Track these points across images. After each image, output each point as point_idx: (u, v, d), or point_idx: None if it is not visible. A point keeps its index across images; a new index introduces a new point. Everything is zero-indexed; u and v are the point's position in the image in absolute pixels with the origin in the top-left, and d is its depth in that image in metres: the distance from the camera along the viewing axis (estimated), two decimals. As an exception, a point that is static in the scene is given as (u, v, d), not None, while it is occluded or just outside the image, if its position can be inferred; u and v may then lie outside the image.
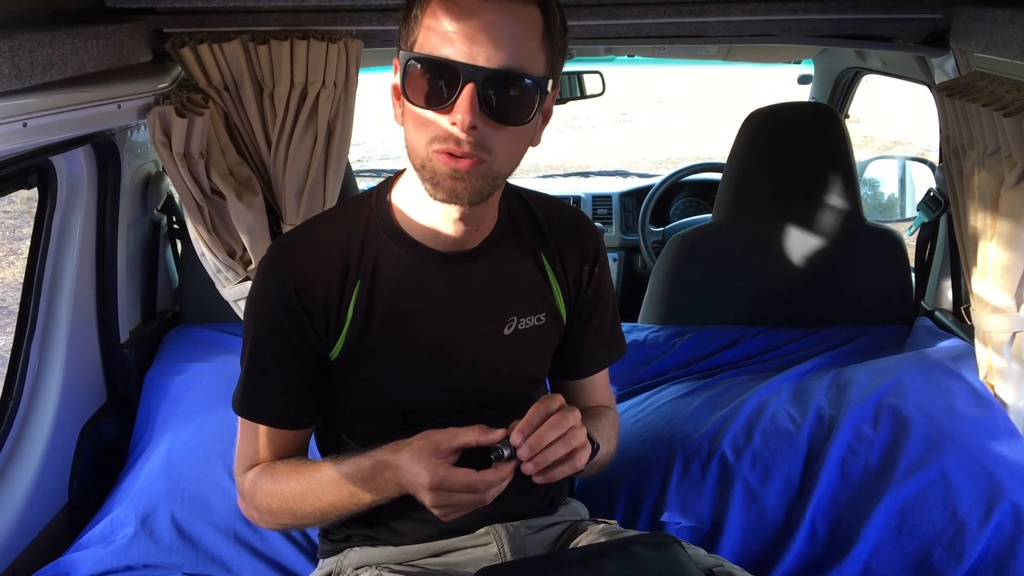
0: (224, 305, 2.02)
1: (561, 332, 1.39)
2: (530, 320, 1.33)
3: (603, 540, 1.37)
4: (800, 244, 2.21)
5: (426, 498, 1.15)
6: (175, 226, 2.21)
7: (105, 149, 1.89)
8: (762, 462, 1.72)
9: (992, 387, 1.81)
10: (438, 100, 1.09)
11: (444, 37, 1.08)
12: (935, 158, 2.47)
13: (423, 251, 1.26)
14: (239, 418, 1.34)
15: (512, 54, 1.08)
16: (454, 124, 1.09)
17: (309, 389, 1.30)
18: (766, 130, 2.18)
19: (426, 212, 1.22)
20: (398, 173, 1.29)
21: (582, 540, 1.40)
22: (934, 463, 1.65)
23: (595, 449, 1.22)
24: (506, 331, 1.32)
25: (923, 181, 2.72)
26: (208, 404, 1.88)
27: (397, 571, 1.32)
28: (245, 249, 1.94)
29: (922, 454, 1.67)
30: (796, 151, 2.17)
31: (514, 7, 1.08)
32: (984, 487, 1.61)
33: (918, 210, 2.24)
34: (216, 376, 1.94)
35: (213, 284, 2.00)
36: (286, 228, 1.95)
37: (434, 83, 1.09)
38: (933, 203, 2.19)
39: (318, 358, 1.27)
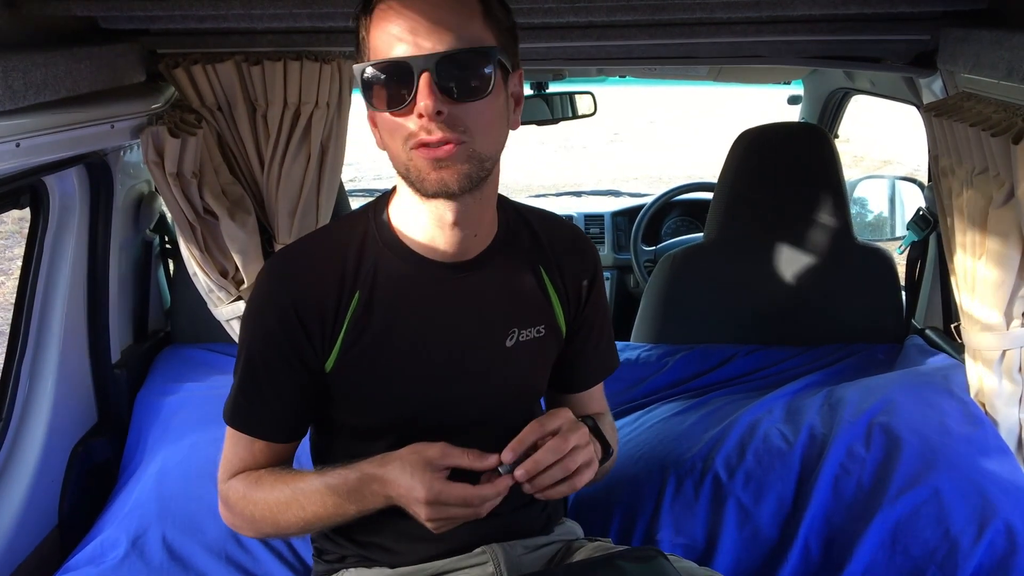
0: (216, 325, 2.02)
1: (560, 346, 1.39)
2: (530, 332, 1.33)
3: (593, 552, 1.37)
4: (791, 263, 2.22)
5: (420, 512, 1.15)
6: (167, 246, 2.21)
7: (98, 169, 1.89)
8: (755, 481, 1.72)
9: (983, 405, 1.82)
10: (399, 100, 1.11)
11: (388, 42, 1.10)
12: (924, 177, 2.49)
13: (422, 262, 1.25)
14: (228, 431, 1.35)
15: (457, 35, 1.10)
16: (420, 116, 1.10)
17: (301, 404, 1.31)
18: (756, 150, 2.20)
19: (422, 222, 1.22)
20: (392, 190, 1.29)
21: (576, 559, 1.39)
22: (926, 481, 1.65)
23: (608, 454, 1.27)
24: (508, 343, 1.31)
25: (912, 200, 2.73)
26: (200, 424, 1.87)
27: None
28: (238, 269, 1.94)
29: (914, 472, 1.67)
30: (786, 171, 2.19)
31: None
32: (976, 505, 1.61)
33: (908, 229, 2.25)
34: (208, 396, 1.93)
35: (205, 304, 1.99)
36: (279, 248, 1.96)
37: (391, 85, 1.11)
38: (923, 222, 2.20)
39: (312, 373, 1.27)
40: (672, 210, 3.30)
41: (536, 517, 1.44)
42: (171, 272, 2.26)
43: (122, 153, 1.96)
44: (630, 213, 3.29)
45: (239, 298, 1.95)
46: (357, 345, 1.26)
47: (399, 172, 1.18)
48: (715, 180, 2.32)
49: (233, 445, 1.34)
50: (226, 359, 2.06)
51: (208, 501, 1.72)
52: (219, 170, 1.90)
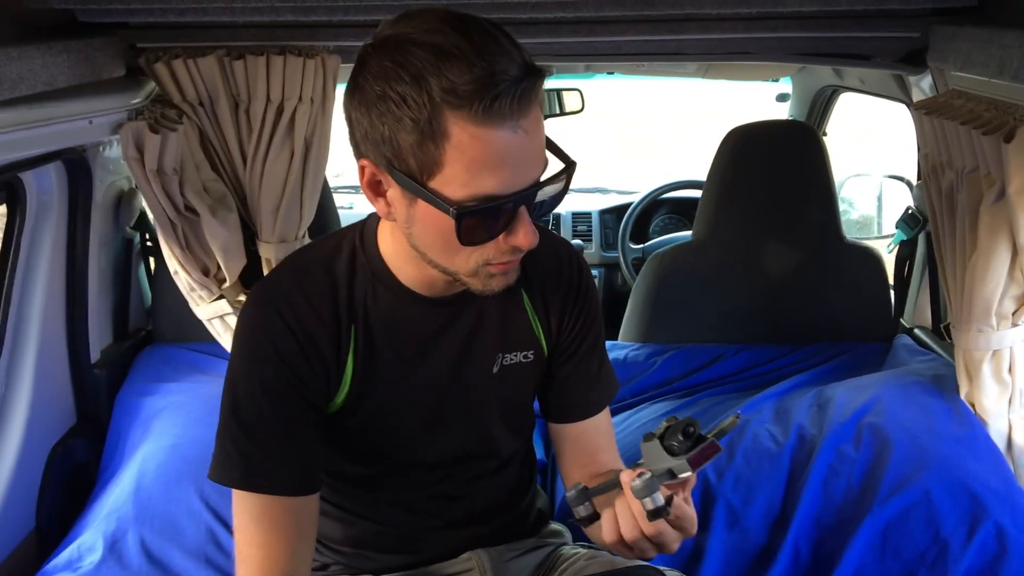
0: (198, 324, 1.99)
1: (543, 371, 1.34)
2: (516, 356, 1.29)
3: (587, 566, 1.35)
4: (780, 261, 2.20)
5: None
6: (148, 243, 2.17)
7: (76, 165, 1.85)
8: (744, 483, 1.70)
9: (973, 405, 1.80)
10: (493, 233, 1.05)
11: (484, 166, 0.99)
12: (911, 175, 2.48)
13: (413, 296, 1.21)
14: (236, 499, 1.18)
15: (544, 156, 1.06)
16: (515, 246, 1.06)
17: (316, 443, 1.20)
18: (745, 148, 2.18)
19: (419, 265, 1.16)
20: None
21: (566, 566, 1.37)
22: (917, 483, 1.63)
23: None
24: (494, 369, 1.28)
25: (900, 199, 2.72)
26: (181, 426, 1.84)
27: None
28: (219, 267, 1.91)
29: (904, 474, 1.65)
30: (775, 169, 2.17)
31: (533, 109, 1.02)
32: (967, 507, 1.60)
33: (897, 227, 2.24)
34: (190, 397, 1.91)
35: (187, 303, 1.96)
36: (261, 245, 1.93)
37: (489, 220, 1.04)
38: (912, 220, 2.19)
39: (319, 405, 1.20)
40: (660, 208, 3.29)
41: (523, 521, 1.42)
42: (152, 270, 2.22)
43: (101, 149, 1.92)
44: (618, 211, 3.27)
45: (221, 296, 1.92)
46: (368, 382, 1.21)
47: (446, 269, 1.12)
48: (703, 178, 2.30)
49: (248, 523, 1.16)
50: (208, 359, 2.03)
51: (187, 503, 1.69)
52: (200, 167, 1.87)
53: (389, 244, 1.20)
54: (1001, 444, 1.77)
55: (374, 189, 1.08)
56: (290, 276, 1.23)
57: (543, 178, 1.06)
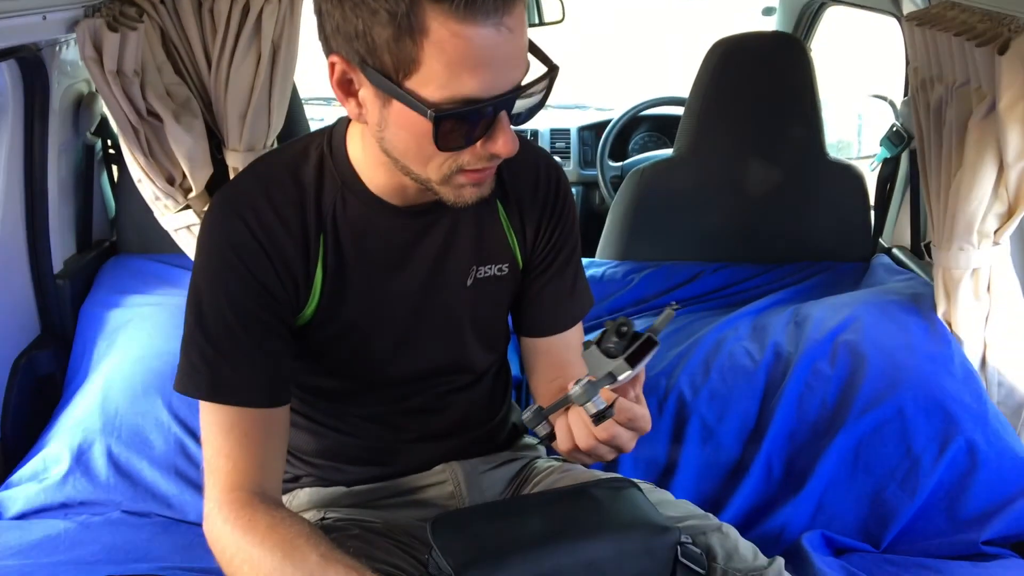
0: (164, 235, 1.92)
1: (518, 284, 1.31)
2: (491, 269, 1.25)
3: (561, 478, 1.34)
4: (761, 179, 2.17)
5: None
6: (110, 151, 2.09)
7: (31, 65, 1.76)
8: (719, 399, 1.70)
9: (949, 324, 1.80)
10: (471, 139, 1.00)
11: (464, 66, 0.93)
12: (893, 93, 2.43)
13: (383, 206, 1.16)
14: (203, 411, 1.13)
15: (526, 60, 0.99)
16: (493, 153, 1.01)
17: (284, 354, 1.15)
18: (730, 60, 2.11)
19: (390, 172, 1.10)
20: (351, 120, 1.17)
21: (540, 478, 1.36)
22: (890, 400, 1.64)
23: None
24: (468, 282, 1.24)
25: (881, 119, 2.68)
26: (147, 338, 1.79)
27: (342, 520, 1.26)
28: (185, 176, 1.84)
29: (879, 391, 1.66)
30: (760, 82, 2.12)
31: (517, 6, 0.95)
32: (939, 423, 1.61)
33: (880, 145, 2.20)
34: (155, 308, 1.86)
35: (152, 213, 1.90)
36: (228, 154, 1.86)
37: (467, 124, 0.98)
38: (896, 138, 2.15)
39: (287, 318, 1.15)
40: (640, 125, 3.21)
41: (497, 435, 1.41)
42: (115, 178, 2.14)
43: (58, 49, 1.83)
44: (597, 128, 3.20)
45: (187, 207, 1.86)
46: (337, 294, 1.17)
47: (418, 177, 1.06)
48: (685, 94, 2.24)
49: (216, 434, 1.12)
50: (175, 270, 1.98)
51: (155, 415, 1.66)
52: (163, 69, 1.78)
53: (359, 149, 1.14)
54: (976, 362, 1.77)
55: (344, 89, 1.02)
56: (254, 182, 1.16)
57: (524, 83, 1.00)
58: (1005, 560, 1.51)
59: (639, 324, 1.97)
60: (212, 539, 1.10)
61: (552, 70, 1.04)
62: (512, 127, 1.02)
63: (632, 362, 0.98)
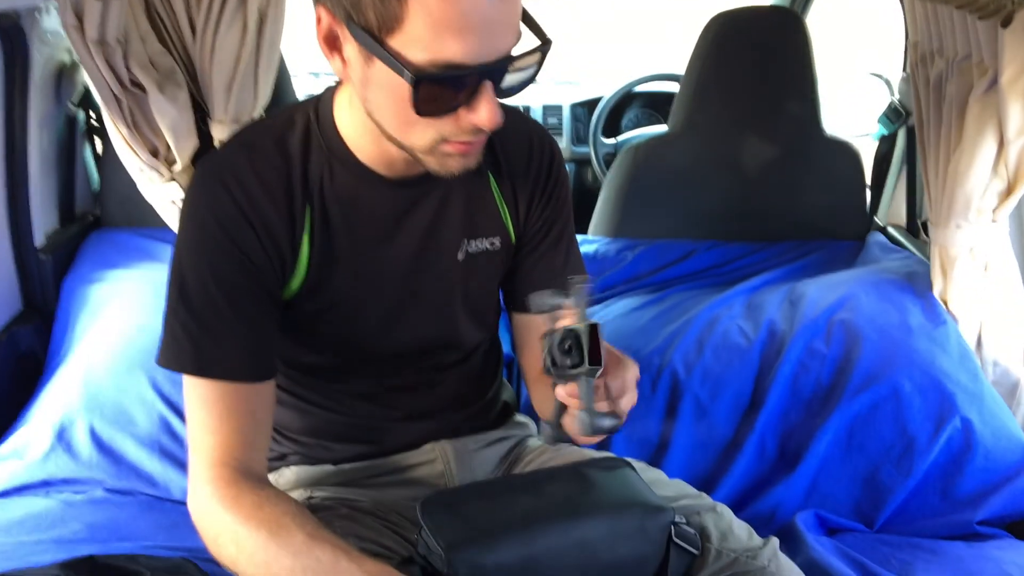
0: (149, 208, 1.88)
1: (511, 259, 1.28)
2: (483, 243, 1.23)
3: (553, 458, 1.32)
4: (757, 155, 2.14)
5: None
6: (93, 122, 2.04)
7: (10, 33, 1.71)
8: (713, 378, 1.68)
9: (946, 303, 1.78)
10: (454, 105, 0.97)
11: (449, 28, 0.90)
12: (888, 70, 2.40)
13: (373, 176, 1.13)
14: (187, 386, 1.11)
15: (517, 30, 0.97)
16: (475, 125, 0.98)
17: (270, 328, 1.13)
18: (727, 35, 2.08)
19: (377, 140, 1.07)
20: (338, 86, 1.14)
21: (531, 457, 1.35)
22: (886, 379, 1.62)
23: None
24: (459, 256, 1.21)
25: (876, 97, 2.66)
26: (131, 313, 1.76)
27: (329, 499, 1.24)
28: (169, 148, 1.80)
29: (874, 370, 1.64)
30: (757, 57, 2.08)
31: None
32: (935, 403, 1.59)
33: (878, 122, 2.18)
34: (140, 283, 1.82)
35: (136, 186, 1.86)
36: (214, 126, 1.82)
37: (449, 91, 0.96)
38: (894, 115, 2.13)
39: (273, 290, 1.12)
40: (633, 102, 3.18)
41: (487, 413, 1.38)
42: (99, 151, 2.10)
43: (38, 16, 1.78)
44: (590, 104, 3.16)
45: (172, 179, 1.82)
46: (324, 267, 1.14)
47: (402, 144, 1.04)
48: (679, 71, 2.21)
49: (200, 409, 1.09)
50: (159, 245, 1.94)
51: (138, 391, 1.63)
52: (146, 38, 1.73)
53: (347, 118, 1.11)
54: (971, 342, 1.75)
55: (330, 44, 0.99)
56: (239, 152, 1.13)
57: (515, 53, 0.97)
58: (1000, 540, 1.50)
59: (632, 304, 1.96)
60: (196, 516, 1.08)
61: (545, 43, 1.01)
62: (500, 100, 0.99)
63: (595, 360, 0.97)
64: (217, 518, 1.04)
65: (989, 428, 1.58)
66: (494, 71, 0.95)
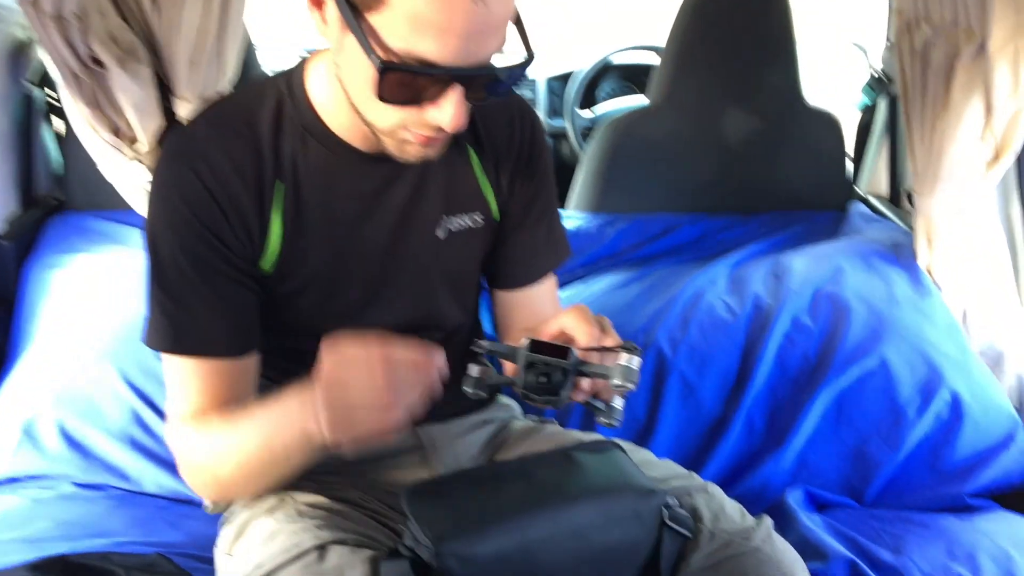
0: (113, 191, 1.81)
1: (494, 235, 1.25)
2: (464, 220, 1.19)
3: (537, 440, 1.28)
4: (738, 127, 2.10)
5: (320, 401, 0.96)
6: (53, 102, 1.96)
7: (-40, 8, 1.63)
8: (699, 354, 1.65)
9: (930, 272, 1.76)
10: (419, 99, 0.95)
11: (428, 26, 0.88)
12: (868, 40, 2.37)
13: (347, 150, 1.09)
14: (166, 364, 1.11)
15: (501, 38, 0.93)
16: (437, 124, 0.95)
17: (249, 303, 1.11)
18: (708, 6, 2.03)
19: (351, 112, 1.03)
20: (312, 54, 1.10)
21: (516, 441, 1.31)
22: (873, 352, 1.60)
23: None
24: (440, 234, 1.17)
25: (855, 66, 2.64)
26: (96, 300, 1.69)
27: (310, 489, 1.18)
28: (132, 127, 1.73)
29: (861, 342, 1.62)
30: (738, 26, 2.04)
31: None
32: (923, 376, 1.58)
33: (861, 92, 2.15)
34: (105, 269, 1.75)
35: (99, 167, 1.78)
36: (179, 103, 1.74)
37: (416, 85, 0.93)
38: (876, 84, 2.10)
39: (246, 268, 1.09)
40: (609, 74, 3.13)
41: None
42: (60, 132, 2.02)
43: (-11, -10, 1.70)
44: (565, 78, 3.11)
45: (136, 160, 1.75)
46: (298, 246, 1.10)
47: (365, 120, 1.01)
48: (656, 41, 2.16)
49: (179, 385, 1.11)
50: (125, 228, 1.86)
51: (107, 383, 1.57)
52: (105, 12, 1.66)
53: (321, 91, 1.07)
54: (957, 313, 1.74)
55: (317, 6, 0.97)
56: (206, 129, 1.10)
57: (496, 63, 0.95)
58: (990, 512, 1.49)
59: (615, 281, 1.91)
60: (174, 450, 1.15)
61: (529, 57, 0.99)
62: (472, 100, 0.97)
63: (580, 370, 0.97)
64: (190, 438, 1.10)
65: (977, 400, 1.57)
66: (468, 76, 0.93)
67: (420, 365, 0.97)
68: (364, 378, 0.95)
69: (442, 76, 0.92)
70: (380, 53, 0.90)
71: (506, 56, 0.97)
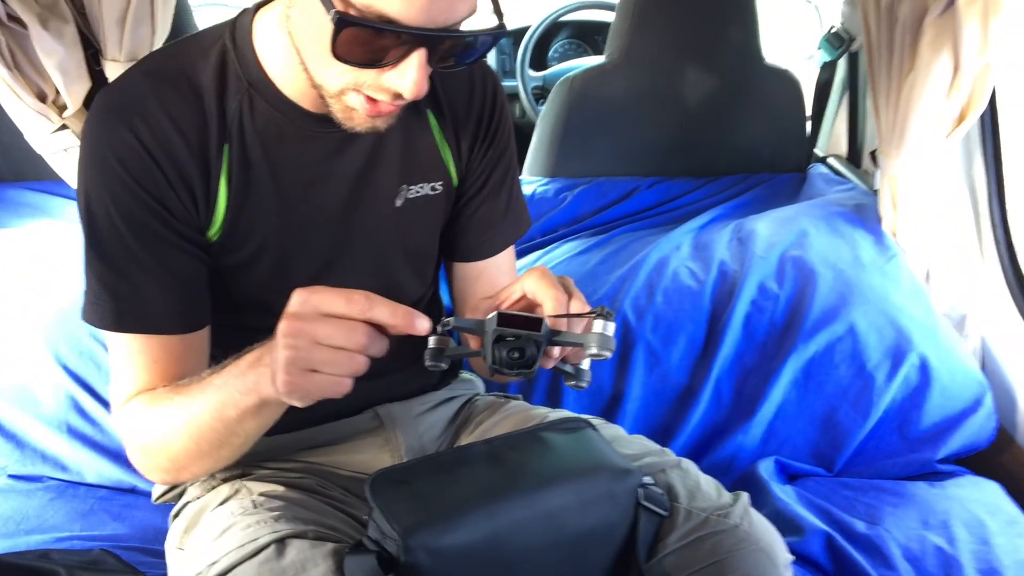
0: (39, 160, 1.69)
1: (452, 204, 1.18)
2: (423, 188, 1.12)
3: (504, 418, 1.23)
4: (697, 86, 2.05)
5: (280, 346, 0.86)
6: (-31, 64, 1.82)
7: None
8: (664, 323, 1.61)
9: (895, 234, 1.74)
10: (377, 60, 0.86)
11: None
12: None
13: (297, 112, 1.01)
14: (109, 342, 1.03)
15: (472, 2, 0.85)
16: (395, 90, 0.87)
17: (196, 273, 1.02)
18: None
19: (301, 70, 0.94)
20: (258, 6, 1.01)
21: (480, 418, 1.25)
22: (841, 317, 1.57)
23: None
24: (397, 202, 1.10)
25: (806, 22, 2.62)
26: (24, 278, 1.57)
27: (267, 477, 1.12)
28: (58, 91, 1.61)
29: (828, 308, 1.59)
30: None
31: None
32: (891, 340, 1.55)
33: (819, 48, 2.10)
34: (33, 243, 1.64)
35: (23, 135, 1.66)
36: (107, 65, 1.63)
37: (376, 44, 0.85)
38: (836, 40, 2.05)
39: (192, 236, 1.01)
40: (559, 32, 3.04)
41: (430, 373, 1.28)
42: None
43: None
44: (515, 35, 3.01)
45: (63, 126, 1.63)
46: (244, 213, 1.02)
47: (314, 81, 0.92)
48: None
49: (123, 364, 1.02)
50: (53, 200, 1.75)
51: (40, 366, 1.46)
52: (23, -35, 1.54)
53: (270, 46, 0.98)
54: (920, 275, 1.72)
55: None
56: (142, 82, 0.99)
57: (467, 26, 0.87)
58: (960, 477, 1.48)
59: (575, 248, 1.86)
60: (121, 433, 1.06)
61: (500, 27, 0.91)
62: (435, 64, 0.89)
63: (551, 340, 0.91)
64: (136, 415, 1.01)
65: (945, 364, 1.55)
66: (433, 40, 0.85)
67: (399, 314, 0.88)
68: (339, 311, 0.86)
69: (406, 37, 0.84)
70: (338, 4, 0.82)
71: (474, 22, 0.90)
